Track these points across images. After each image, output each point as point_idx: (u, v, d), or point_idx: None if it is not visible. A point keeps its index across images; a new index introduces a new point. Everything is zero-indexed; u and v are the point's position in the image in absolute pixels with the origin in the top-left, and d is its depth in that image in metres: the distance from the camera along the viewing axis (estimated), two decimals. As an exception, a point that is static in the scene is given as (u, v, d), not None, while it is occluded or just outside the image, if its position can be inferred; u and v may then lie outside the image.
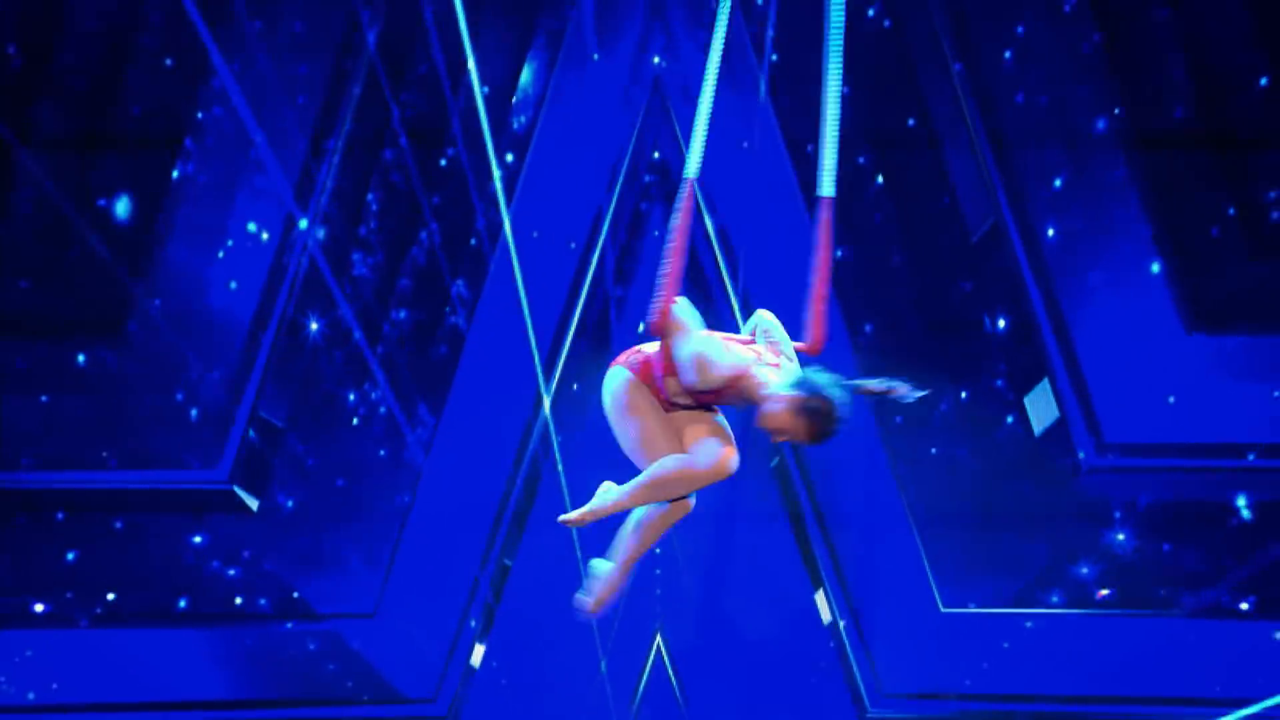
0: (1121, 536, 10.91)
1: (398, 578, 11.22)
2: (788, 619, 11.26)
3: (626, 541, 4.97)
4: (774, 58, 10.38)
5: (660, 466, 4.68)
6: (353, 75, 10.15)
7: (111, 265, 10.02)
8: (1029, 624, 11.04)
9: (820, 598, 11.12)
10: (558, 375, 10.93)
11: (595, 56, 10.39)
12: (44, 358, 10.30)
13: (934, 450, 11.00)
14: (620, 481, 4.82)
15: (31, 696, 10.83)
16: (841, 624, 11.07)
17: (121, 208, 10.00)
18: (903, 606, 11.02)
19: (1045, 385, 10.66)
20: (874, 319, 10.94)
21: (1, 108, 9.69)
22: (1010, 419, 10.88)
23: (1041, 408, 10.76)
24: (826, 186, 4.84)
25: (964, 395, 10.77)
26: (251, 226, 10.39)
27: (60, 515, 10.61)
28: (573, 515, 4.76)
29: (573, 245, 10.85)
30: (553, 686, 11.51)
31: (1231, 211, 10.21)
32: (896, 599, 11.05)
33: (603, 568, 4.96)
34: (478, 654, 11.31)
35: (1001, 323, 10.55)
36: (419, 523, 11.17)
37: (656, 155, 10.91)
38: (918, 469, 11.01)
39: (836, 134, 4.80)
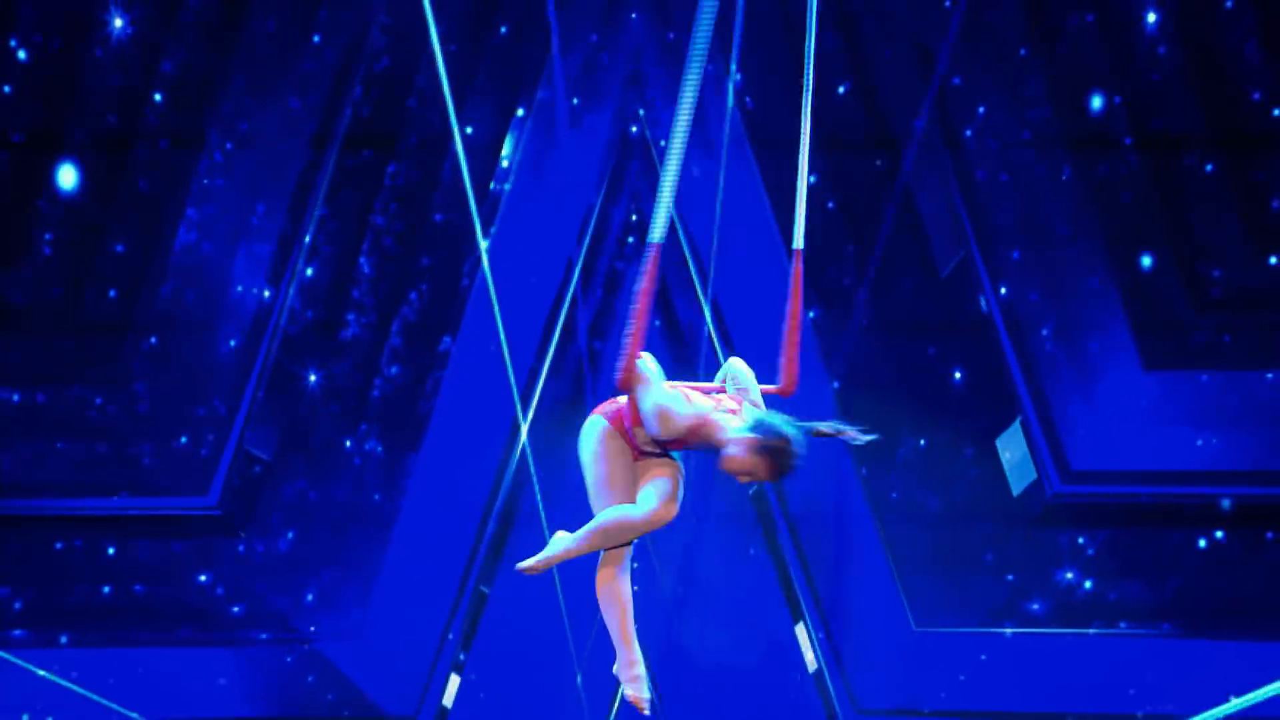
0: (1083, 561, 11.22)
1: (380, 601, 11.40)
2: (763, 641, 11.57)
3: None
4: (750, 106, 10.71)
5: (603, 516, 4.94)
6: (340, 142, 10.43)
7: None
8: (1000, 642, 11.31)
9: (799, 629, 11.35)
10: (533, 409, 11.03)
11: (573, 120, 10.67)
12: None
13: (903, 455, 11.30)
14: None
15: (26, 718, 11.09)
16: (816, 643, 11.34)
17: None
18: (877, 626, 11.28)
19: (1016, 428, 10.89)
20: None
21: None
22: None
23: (1013, 448, 10.96)
24: (797, 239, 5.15)
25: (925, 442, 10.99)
26: (239, 288, 10.66)
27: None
28: (528, 563, 4.98)
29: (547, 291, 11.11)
30: (531, 702, 11.67)
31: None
32: (870, 619, 11.29)
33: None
34: (454, 680, 11.49)
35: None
36: (401, 550, 11.34)
37: (635, 217, 11.20)
38: (890, 495, 11.35)
39: (805, 190, 5.10)
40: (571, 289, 10.76)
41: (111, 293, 10.41)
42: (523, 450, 11.01)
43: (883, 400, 11.06)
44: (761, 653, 11.54)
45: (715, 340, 11.02)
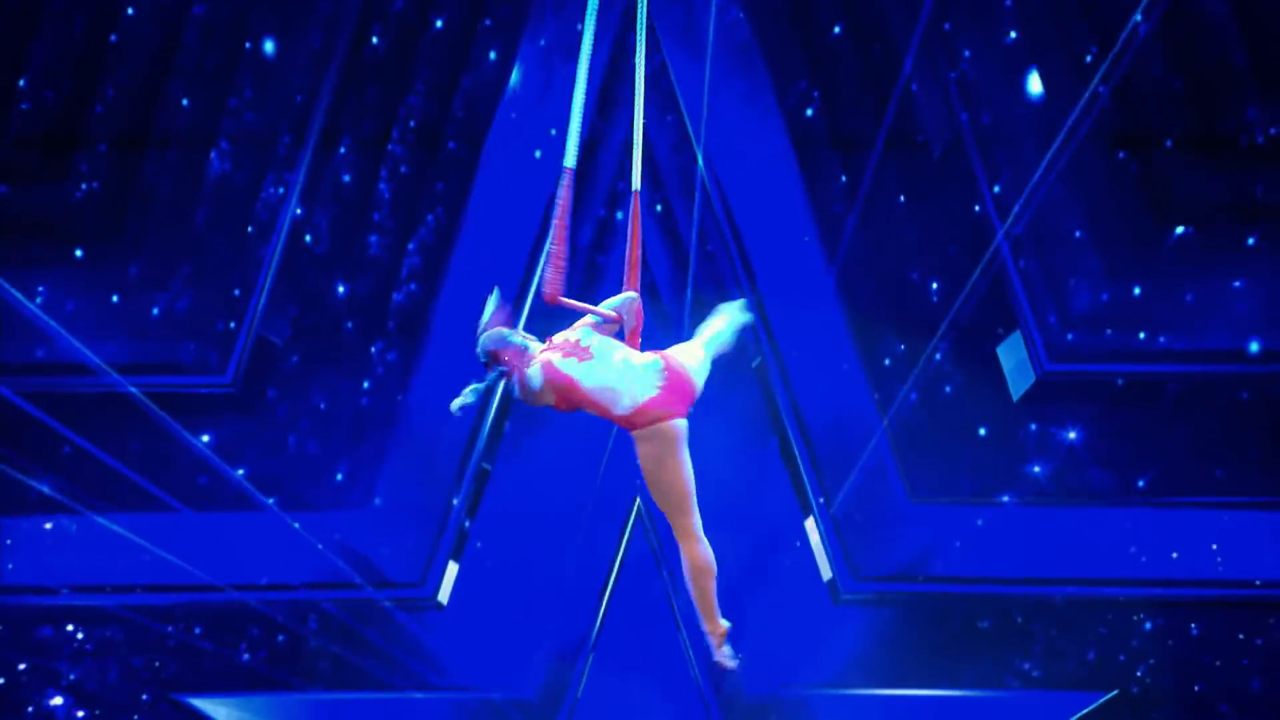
0: (1073, 435, 11.38)
1: (389, 476, 11.51)
2: (766, 511, 11.61)
3: None
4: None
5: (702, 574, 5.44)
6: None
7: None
8: (997, 512, 11.57)
9: (809, 524, 11.53)
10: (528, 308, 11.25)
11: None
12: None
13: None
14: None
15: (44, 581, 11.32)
16: (816, 513, 11.48)
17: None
18: (874, 500, 11.46)
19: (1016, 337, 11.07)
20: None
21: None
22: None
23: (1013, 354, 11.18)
24: (635, 182, 5.49)
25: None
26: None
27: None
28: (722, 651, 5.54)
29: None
30: (537, 562, 11.77)
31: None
32: (869, 494, 11.48)
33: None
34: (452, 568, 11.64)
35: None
36: (409, 434, 11.47)
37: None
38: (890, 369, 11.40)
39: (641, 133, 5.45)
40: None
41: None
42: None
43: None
44: (766, 539, 11.69)
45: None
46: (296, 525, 11.24)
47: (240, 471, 11.15)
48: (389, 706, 11.62)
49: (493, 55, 10.83)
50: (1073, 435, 11.35)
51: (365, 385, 11.29)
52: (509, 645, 11.61)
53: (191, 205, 11.11)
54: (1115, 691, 11.52)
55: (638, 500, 11.52)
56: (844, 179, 11.17)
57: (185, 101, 10.98)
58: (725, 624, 5.48)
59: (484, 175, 11.14)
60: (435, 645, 11.49)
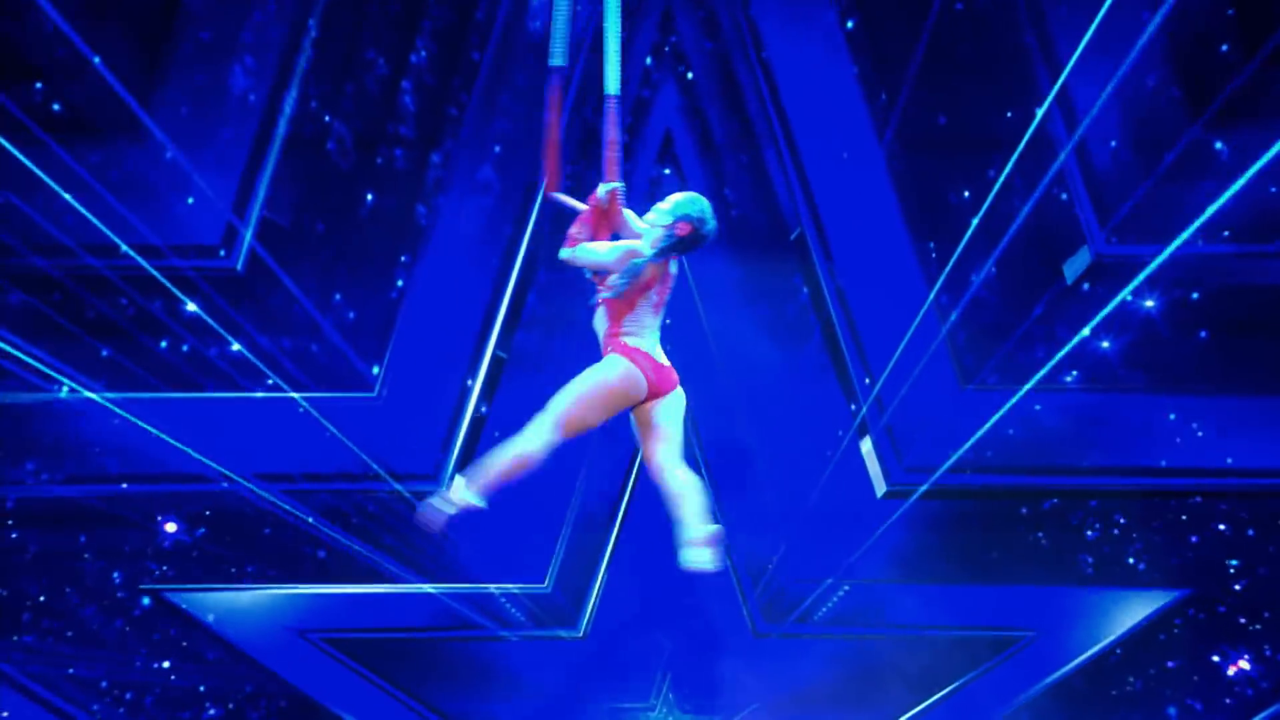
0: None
1: (397, 360, 11.21)
2: (811, 400, 11.31)
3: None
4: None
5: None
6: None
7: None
8: (1049, 399, 11.12)
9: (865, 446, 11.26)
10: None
11: None
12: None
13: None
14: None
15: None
16: (862, 402, 11.18)
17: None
18: (923, 387, 11.05)
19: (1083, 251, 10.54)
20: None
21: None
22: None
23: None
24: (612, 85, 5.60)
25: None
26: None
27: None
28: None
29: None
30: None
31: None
32: (918, 381, 11.06)
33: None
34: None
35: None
36: (416, 307, 11.21)
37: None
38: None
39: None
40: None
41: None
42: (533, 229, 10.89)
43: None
44: (810, 428, 11.39)
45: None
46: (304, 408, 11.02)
47: (236, 347, 10.93)
48: (400, 600, 11.62)
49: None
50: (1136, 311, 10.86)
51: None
52: (526, 538, 11.52)
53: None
54: (1190, 590, 11.29)
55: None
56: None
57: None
58: (713, 527, 5.47)
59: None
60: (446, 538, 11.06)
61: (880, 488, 11.38)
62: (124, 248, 10.34)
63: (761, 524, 11.48)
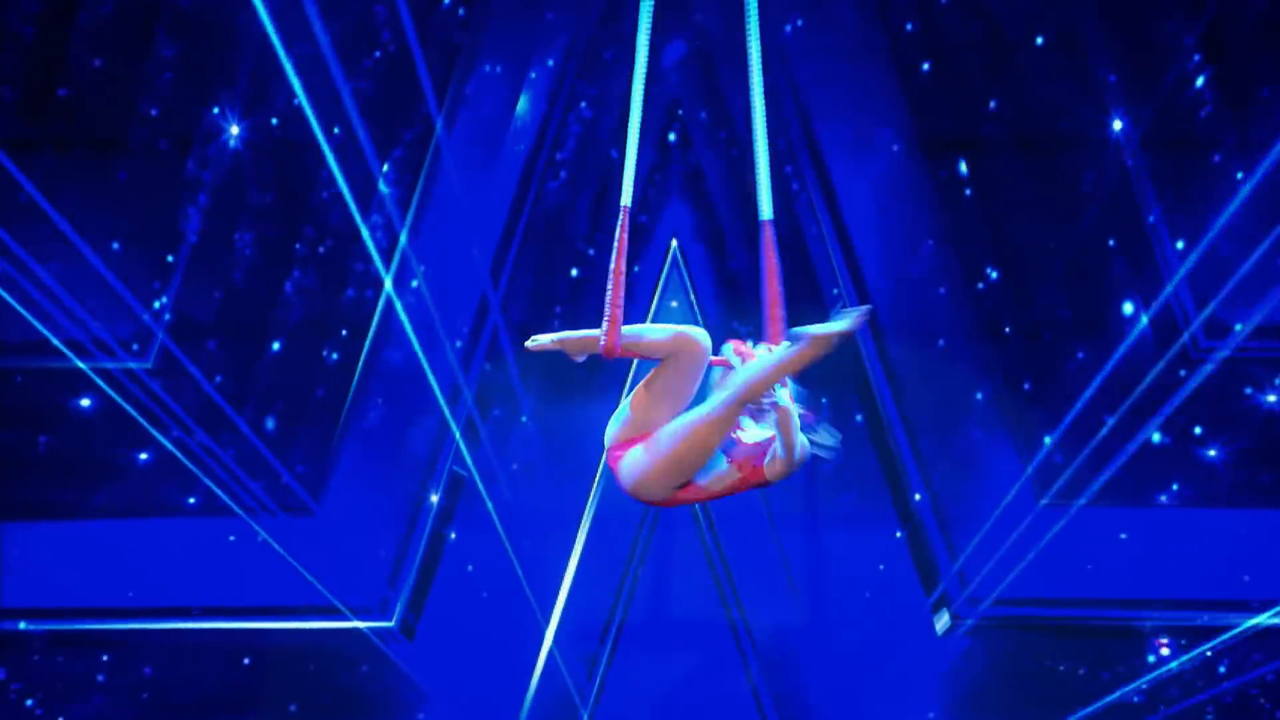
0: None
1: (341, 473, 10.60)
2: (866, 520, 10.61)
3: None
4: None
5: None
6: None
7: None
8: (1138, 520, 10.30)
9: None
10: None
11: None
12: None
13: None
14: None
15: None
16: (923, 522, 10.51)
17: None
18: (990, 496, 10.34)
19: None
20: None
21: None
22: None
23: None
24: (766, 210, 5.35)
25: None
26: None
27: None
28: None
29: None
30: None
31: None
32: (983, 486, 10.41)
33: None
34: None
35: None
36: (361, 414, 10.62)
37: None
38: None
39: (767, 157, 5.32)
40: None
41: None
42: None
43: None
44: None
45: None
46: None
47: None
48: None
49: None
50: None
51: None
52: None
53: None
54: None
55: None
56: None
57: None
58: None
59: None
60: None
61: (942, 622, 10.40)
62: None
63: (795, 658, 10.68)
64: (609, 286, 5.05)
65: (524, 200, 10.31)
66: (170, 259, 10.10)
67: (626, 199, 5.15)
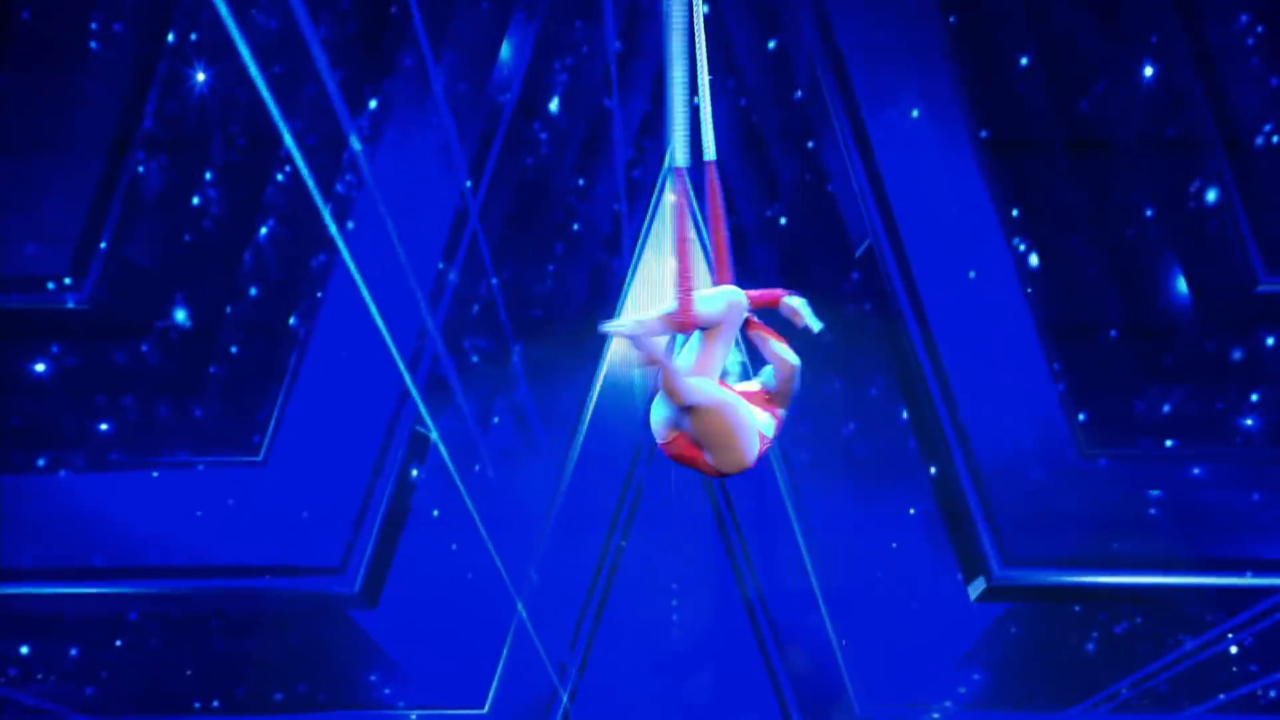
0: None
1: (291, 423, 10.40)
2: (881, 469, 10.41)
3: None
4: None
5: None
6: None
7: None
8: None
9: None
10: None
11: None
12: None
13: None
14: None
15: None
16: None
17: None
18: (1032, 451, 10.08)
19: None
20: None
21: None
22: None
23: None
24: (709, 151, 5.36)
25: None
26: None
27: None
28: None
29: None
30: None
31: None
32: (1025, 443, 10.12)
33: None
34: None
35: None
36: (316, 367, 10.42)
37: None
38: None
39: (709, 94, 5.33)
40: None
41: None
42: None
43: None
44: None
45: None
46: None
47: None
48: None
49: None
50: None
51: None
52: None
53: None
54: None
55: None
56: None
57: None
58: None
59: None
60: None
61: (976, 587, 10.11)
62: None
63: (820, 631, 10.43)
64: (674, 257, 5.03)
65: (490, 145, 10.11)
66: (114, 203, 9.94)
67: (682, 158, 5.03)
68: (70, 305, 10.06)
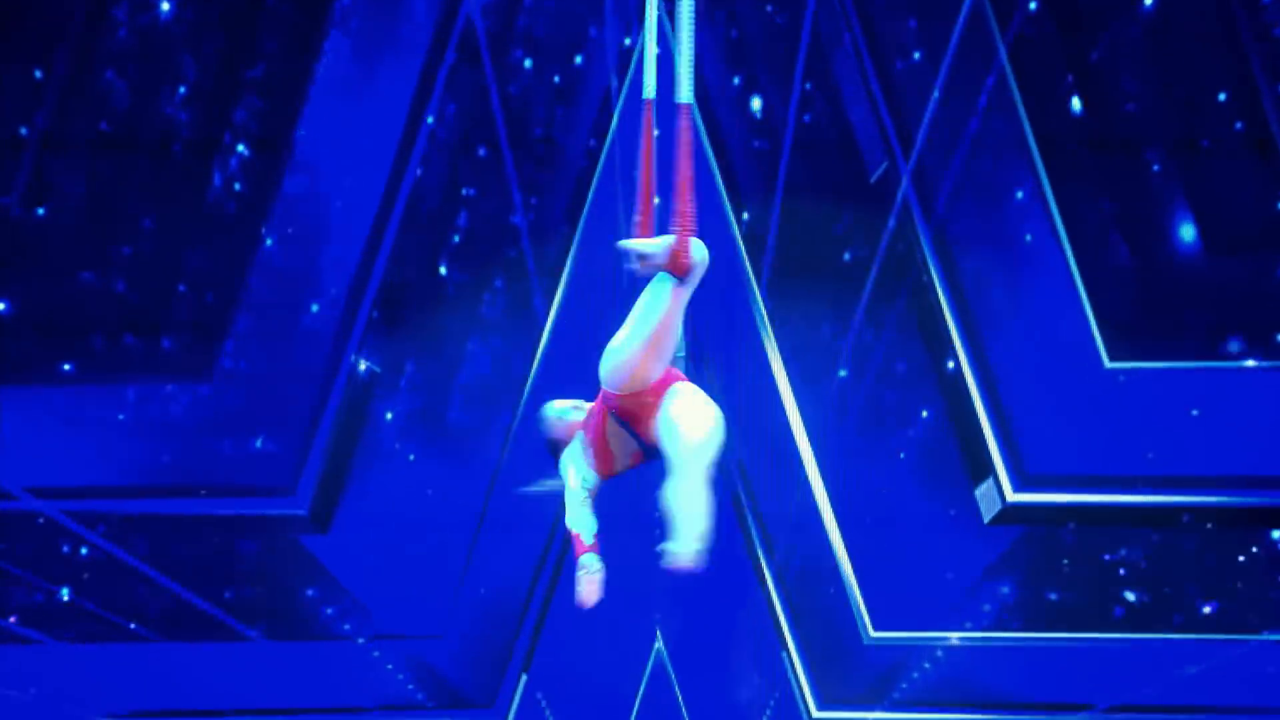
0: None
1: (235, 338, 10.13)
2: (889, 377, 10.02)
3: None
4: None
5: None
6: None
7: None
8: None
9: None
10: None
11: None
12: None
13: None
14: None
15: None
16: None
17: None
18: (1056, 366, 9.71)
19: None
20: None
21: None
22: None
23: None
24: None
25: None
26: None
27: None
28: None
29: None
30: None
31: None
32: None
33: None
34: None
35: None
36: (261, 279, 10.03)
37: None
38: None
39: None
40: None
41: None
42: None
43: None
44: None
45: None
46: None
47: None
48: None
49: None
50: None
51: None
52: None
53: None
54: None
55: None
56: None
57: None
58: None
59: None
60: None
61: (991, 506, 9.72)
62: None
63: (820, 551, 10.16)
64: (676, 195, 5.04)
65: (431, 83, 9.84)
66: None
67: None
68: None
